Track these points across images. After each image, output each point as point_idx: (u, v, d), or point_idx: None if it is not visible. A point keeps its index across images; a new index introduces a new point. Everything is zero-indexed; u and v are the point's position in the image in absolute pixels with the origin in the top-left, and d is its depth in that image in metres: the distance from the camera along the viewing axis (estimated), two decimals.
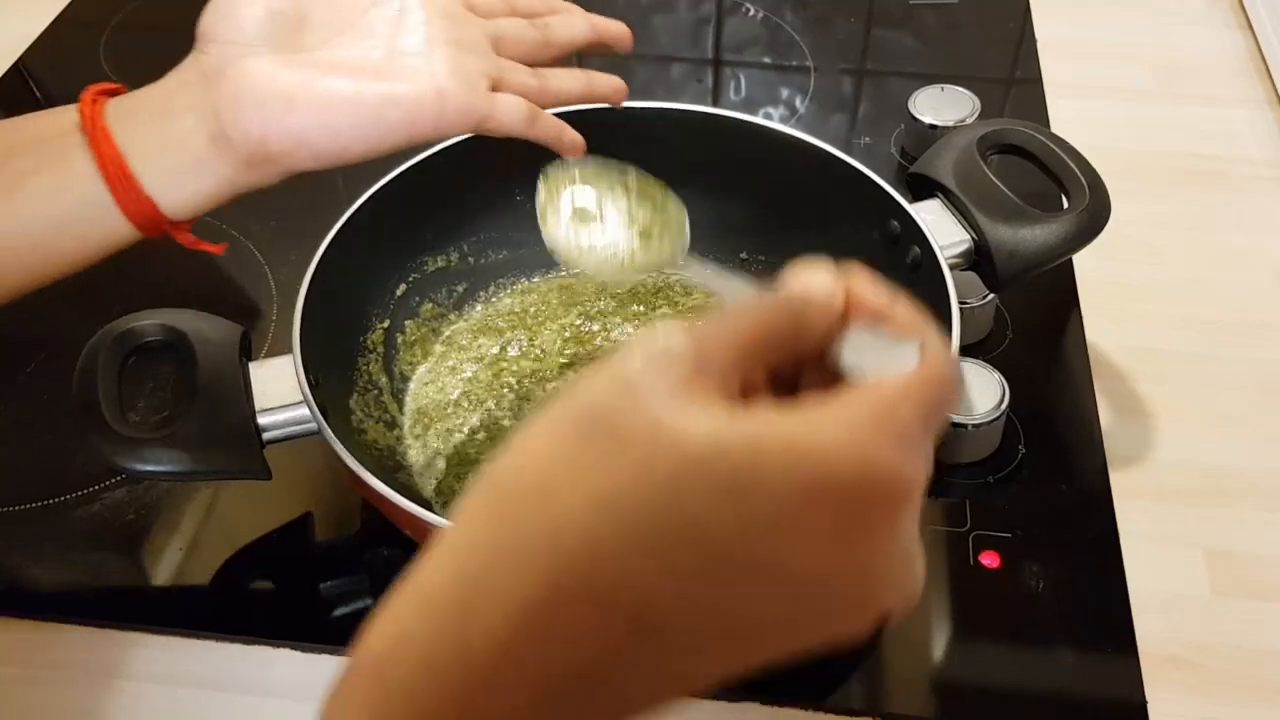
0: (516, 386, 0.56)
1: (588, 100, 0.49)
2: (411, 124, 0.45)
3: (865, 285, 0.29)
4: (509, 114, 0.46)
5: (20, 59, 0.83)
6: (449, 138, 0.46)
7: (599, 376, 0.26)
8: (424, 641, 0.24)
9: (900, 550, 0.26)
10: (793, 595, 0.25)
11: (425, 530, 0.43)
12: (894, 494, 0.25)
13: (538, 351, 0.58)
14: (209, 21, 0.45)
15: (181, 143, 0.45)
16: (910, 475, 0.25)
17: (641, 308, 0.61)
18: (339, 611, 0.51)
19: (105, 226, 0.45)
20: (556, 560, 0.24)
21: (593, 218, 0.45)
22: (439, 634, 0.24)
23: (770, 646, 0.26)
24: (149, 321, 0.48)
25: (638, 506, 0.23)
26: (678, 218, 0.45)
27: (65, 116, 0.46)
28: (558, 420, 0.25)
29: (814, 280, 0.29)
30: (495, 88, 0.46)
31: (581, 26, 0.49)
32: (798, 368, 0.29)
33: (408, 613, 0.25)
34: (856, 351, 0.28)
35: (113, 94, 0.46)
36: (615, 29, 0.50)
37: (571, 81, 0.49)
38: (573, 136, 0.48)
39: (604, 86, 0.50)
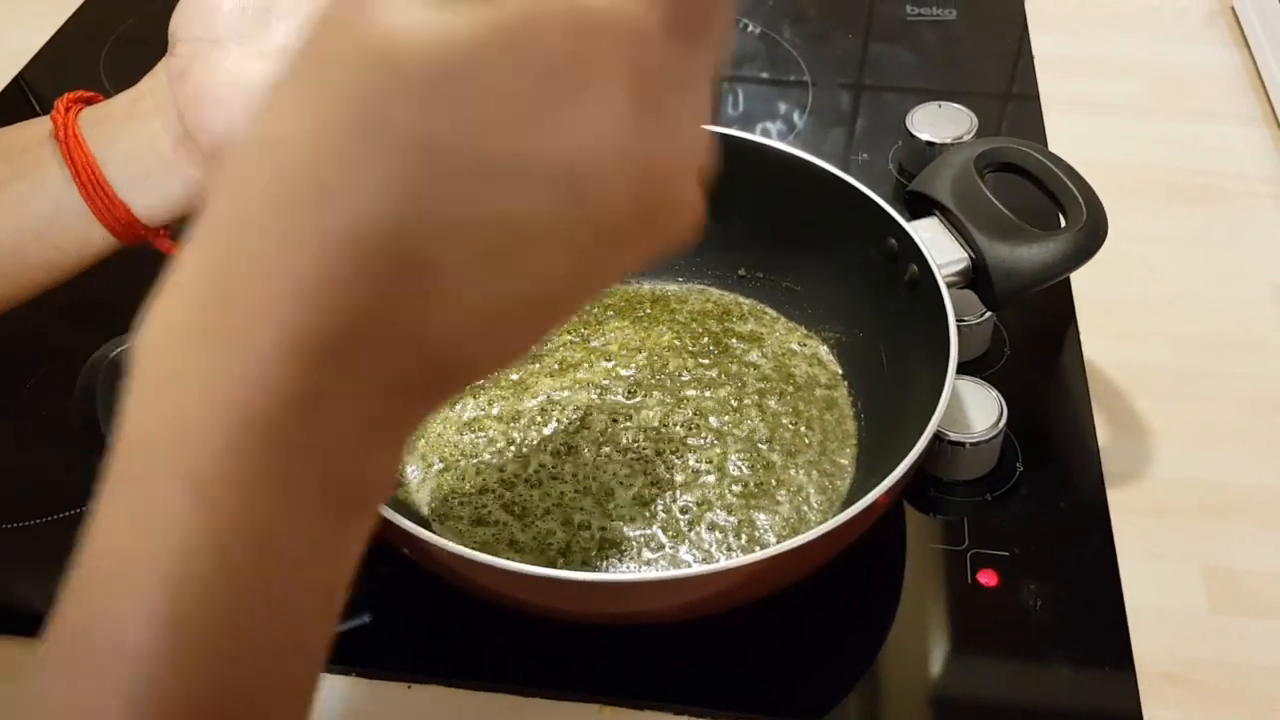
0: (511, 398, 0.56)
1: None
2: None
3: None
4: None
5: (21, 72, 0.84)
6: None
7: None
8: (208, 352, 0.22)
9: (658, 113, 0.24)
10: (554, 194, 0.23)
11: (421, 549, 0.43)
12: (616, 34, 0.23)
13: (532, 360, 0.58)
14: (179, 22, 0.45)
15: (149, 146, 0.45)
16: (631, 9, 0.23)
17: (642, 313, 0.61)
18: (336, 629, 0.51)
19: (81, 234, 0.46)
20: (286, 203, 0.22)
21: None
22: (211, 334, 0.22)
23: (558, 263, 0.24)
24: None
25: (351, 128, 0.21)
26: None
27: (41, 126, 0.46)
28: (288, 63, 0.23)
29: None
30: None
31: None
32: None
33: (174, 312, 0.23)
34: None
35: (89, 102, 0.46)
36: None
37: None
38: None
39: None
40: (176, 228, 0.49)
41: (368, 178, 0.21)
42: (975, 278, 0.53)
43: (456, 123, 0.21)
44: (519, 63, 0.22)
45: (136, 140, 0.45)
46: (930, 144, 0.71)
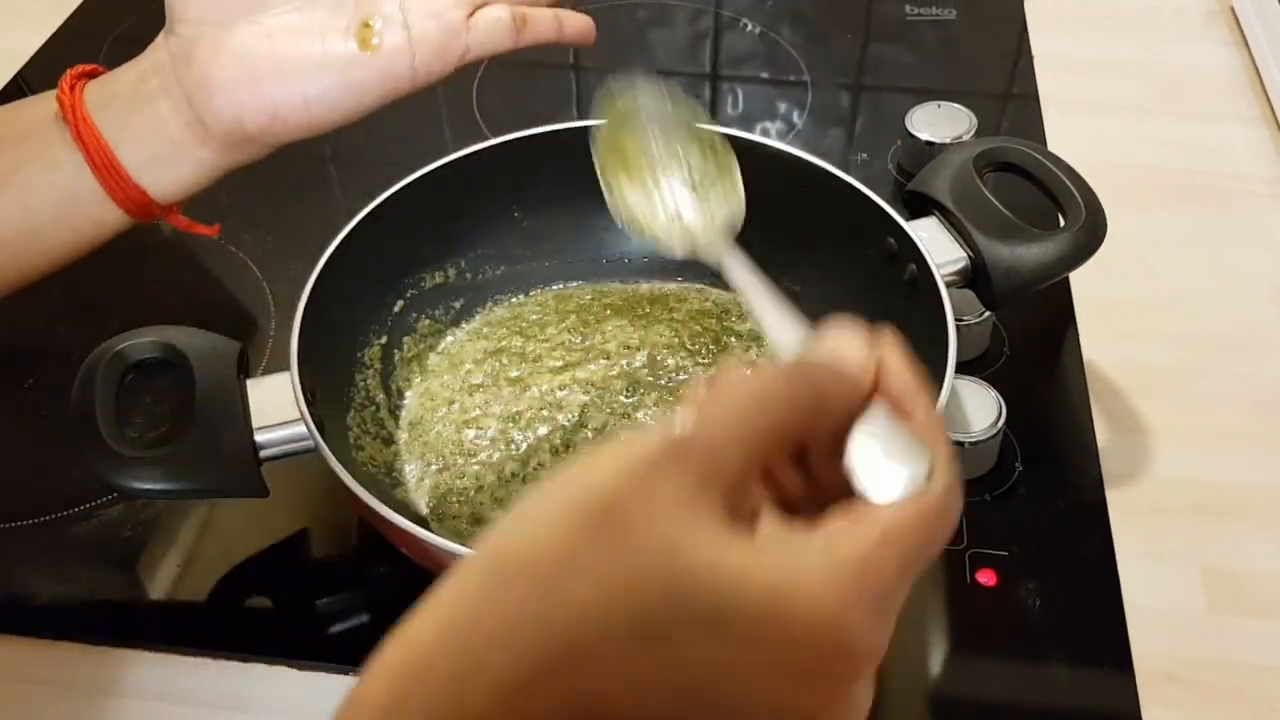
0: (510, 397, 0.56)
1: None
2: (384, 81, 0.44)
3: (897, 362, 0.28)
4: (491, 34, 0.44)
5: (20, 72, 0.84)
6: (434, 82, 0.44)
7: (613, 461, 0.26)
8: (423, 710, 0.25)
9: (852, 700, 0.27)
10: None
11: (420, 548, 0.43)
12: (859, 663, 0.26)
13: (532, 358, 0.58)
14: None
15: (160, 130, 0.44)
16: (878, 646, 0.26)
17: (641, 312, 0.61)
18: (335, 628, 0.51)
19: (96, 215, 0.45)
20: (542, 653, 0.24)
21: (652, 166, 0.42)
22: (436, 702, 0.25)
23: None
24: (147, 339, 0.48)
25: (625, 620, 0.24)
26: (737, 177, 0.42)
27: (42, 106, 0.45)
28: (566, 503, 0.25)
29: (847, 351, 0.28)
30: (481, 7, 0.45)
31: None
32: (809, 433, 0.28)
33: (406, 671, 0.25)
34: (864, 436, 0.28)
35: (91, 75, 0.46)
36: None
37: None
38: (577, 24, 0.45)
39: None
40: (188, 204, 0.49)
41: (618, 667, 0.24)
42: (974, 277, 0.53)
43: (708, 660, 0.24)
44: (780, 636, 0.24)
45: (145, 123, 0.44)
46: (930, 144, 0.71)
